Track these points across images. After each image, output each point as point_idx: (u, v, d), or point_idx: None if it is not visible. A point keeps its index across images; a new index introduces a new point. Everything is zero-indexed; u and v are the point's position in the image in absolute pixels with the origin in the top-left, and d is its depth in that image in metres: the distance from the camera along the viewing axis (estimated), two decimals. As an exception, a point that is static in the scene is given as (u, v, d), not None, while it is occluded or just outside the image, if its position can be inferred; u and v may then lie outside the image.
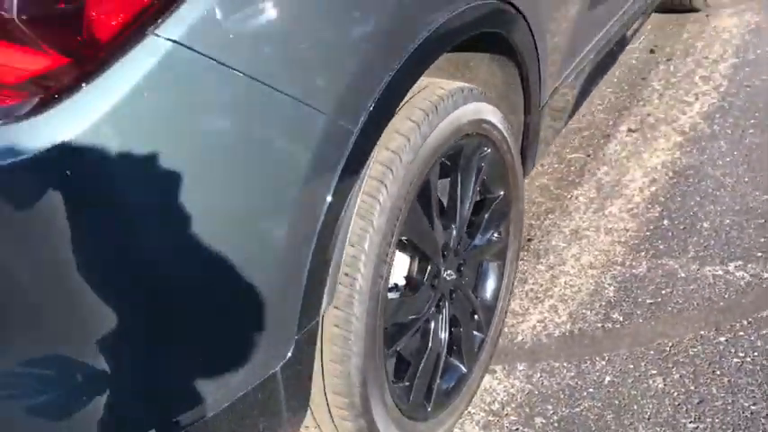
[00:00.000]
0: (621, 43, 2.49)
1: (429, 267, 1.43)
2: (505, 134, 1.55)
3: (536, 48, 1.60)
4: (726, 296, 1.93)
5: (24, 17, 0.74)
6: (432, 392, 1.51)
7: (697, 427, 1.58)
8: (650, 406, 1.64)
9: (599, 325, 1.89)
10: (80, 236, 0.82)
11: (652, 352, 1.79)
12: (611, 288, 2.00)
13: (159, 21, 0.80)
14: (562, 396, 1.69)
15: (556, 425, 1.62)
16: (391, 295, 1.35)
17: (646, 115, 2.80)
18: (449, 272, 1.49)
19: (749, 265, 2.02)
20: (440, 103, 1.31)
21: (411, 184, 1.24)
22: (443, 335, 1.53)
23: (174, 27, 0.81)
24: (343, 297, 1.17)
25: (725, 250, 2.08)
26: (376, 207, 1.18)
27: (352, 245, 1.16)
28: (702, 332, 1.83)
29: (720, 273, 2.01)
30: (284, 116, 0.95)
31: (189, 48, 0.82)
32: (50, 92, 0.76)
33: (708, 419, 1.59)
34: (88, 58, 0.77)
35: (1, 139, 0.75)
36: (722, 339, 1.80)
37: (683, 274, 2.01)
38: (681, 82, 3.01)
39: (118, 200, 0.84)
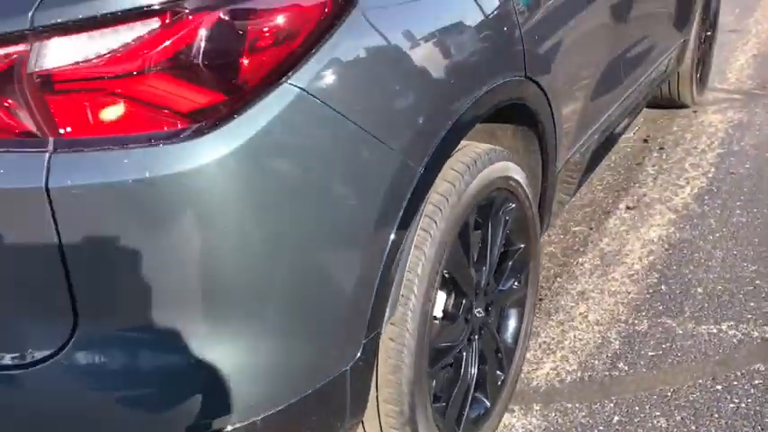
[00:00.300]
0: (617, 130, 2.80)
1: (463, 302, 1.64)
2: (528, 192, 1.80)
3: (554, 121, 1.87)
4: (720, 351, 2.13)
5: (203, 62, 0.99)
6: (461, 419, 1.68)
7: (699, 460, 1.75)
8: (656, 441, 1.81)
9: (606, 373, 2.07)
10: (210, 236, 1.05)
11: (655, 396, 1.97)
12: (617, 342, 2.20)
13: (291, 72, 1.05)
14: (576, 432, 1.86)
15: (571, 456, 1.79)
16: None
17: (642, 195, 3.07)
18: (479, 309, 1.70)
19: (740, 325, 2.23)
20: (477, 159, 1.56)
21: (455, 223, 1.48)
22: (473, 369, 1.73)
23: (301, 78, 1.06)
24: (400, 314, 1.38)
25: (718, 312, 2.30)
26: (428, 240, 1.40)
27: (409, 270, 1.38)
28: (700, 381, 2.02)
29: (714, 331, 2.22)
30: (372, 155, 1.19)
31: (311, 95, 1.07)
32: (210, 120, 1.00)
33: (708, 454, 1.77)
34: (239, 98, 1.02)
35: (172, 153, 0.98)
36: (719, 387, 2.00)
37: (680, 332, 2.22)
38: (673, 168, 3.30)
39: (242, 207, 1.07)
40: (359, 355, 1.27)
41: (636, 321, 2.28)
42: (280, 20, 1.06)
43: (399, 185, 1.27)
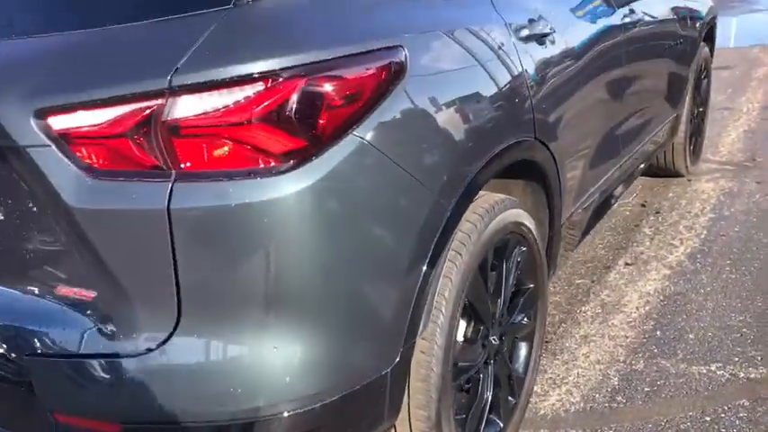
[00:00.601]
0: (616, 192, 3.11)
1: (481, 329, 1.90)
2: (537, 238, 2.08)
3: (559, 180, 2.18)
4: (709, 388, 2.37)
5: (293, 116, 1.30)
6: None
7: (688, 478, 1.97)
8: (650, 462, 2.04)
9: (606, 404, 2.31)
10: (288, 251, 1.34)
11: (650, 425, 2.20)
12: (615, 378, 2.44)
13: (355, 126, 1.36)
14: (579, 453, 2.08)
15: (575, 473, 2.01)
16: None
17: (639, 253, 3.35)
18: (494, 337, 1.96)
19: (728, 366, 2.47)
20: (494, 206, 1.85)
21: (476, 257, 1.76)
22: (488, 392, 1.97)
23: (363, 131, 1.37)
24: (430, 330, 1.64)
25: (708, 355, 2.54)
26: (454, 269, 1.68)
27: (439, 294, 1.65)
28: (691, 413, 2.25)
29: (704, 371, 2.46)
30: (415, 195, 1.49)
31: (370, 144, 1.38)
32: (295, 161, 1.30)
33: (697, 473, 1.99)
34: (317, 145, 1.33)
35: (266, 184, 1.28)
36: (707, 419, 2.23)
37: (673, 371, 2.46)
38: (668, 229, 3.59)
39: (312, 229, 1.35)
40: (397, 360, 1.53)
41: (633, 362, 2.52)
42: (349, 86, 1.38)
43: (434, 221, 1.56)
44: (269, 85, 1.29)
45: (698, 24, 3.86)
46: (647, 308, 2.88)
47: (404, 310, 1.54)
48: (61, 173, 1.30)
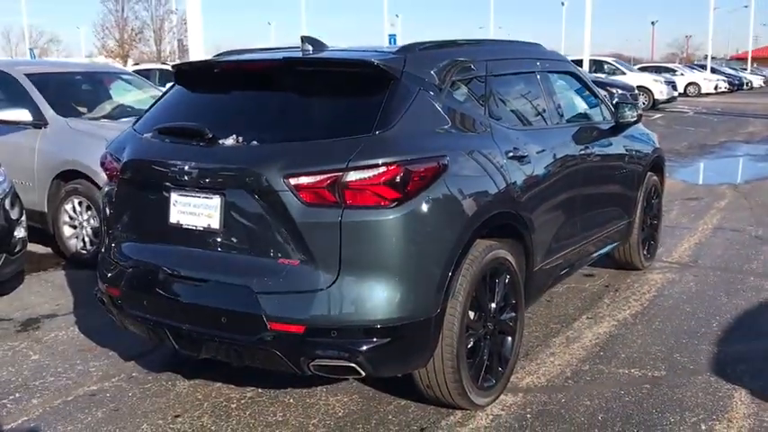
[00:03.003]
0: (575, 266, 4.60)
1: (481, 315, 3.36)
2: (517, 270, 3.57)
3: (532, 240, 3.70)
4: (621, 381, 3.75)
5: (399, 182, 2.87)
6: (478, 380, 3.33)
7: None
8: None
9: (562, 384, 3.69)
10: (394, 244, 2.87)
11: (594, 397, 3.58)
12: (569, 372, 3.83)
13: (423, 190, 2.92)
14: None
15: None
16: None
17: (597, 312, 4.78)
18: (489, 324, 3.42)
19: (641, 369, 3.86)
20: (490, 246, 3.36)
21: (479, 273, 3.25)
22: (486, 358, 3.40)
23: (426, 193, 2.94)
24: (454, 300, 3.11)
25: (631, 364, 3.93)
26: (469, 272, 3.17)
27: (460, 283, 3.14)
28: (620, 392, 3.63)
29: (626, 372, 3.84)
30: (453, 226, 3.04)
31: (430, 199, 2.94)
32: (398, 202, 2.86)
33: None
34: (408, 197, 2.88)
35: (386, 211, 2.83)
36: (636, 392, 3.60)
37: (606, 371, 3.85)
38: (621, 300, 5.03)
39: (405, 234, 2.89)
40: (439, 310, 3.01)
41: (581, 365, 3.92)
42: (422, 171, 2.95)
43: (458, 242, 3.09)
44: (387, 168, 2.87)
45: (643, 159, 5.48)
46: (596, 340, 4.29)
47: (443, 282, 3.03)
48: (292, 204, 2.87)
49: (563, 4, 60.59)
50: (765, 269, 5.77)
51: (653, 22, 77.50)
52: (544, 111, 4.25)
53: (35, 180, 6.06)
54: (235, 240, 3.06)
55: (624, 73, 25.44)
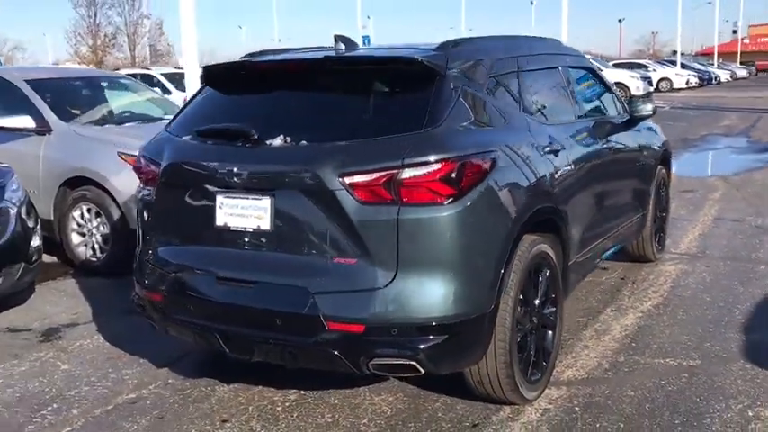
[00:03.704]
0: (599, 257, 4.64)
1: (528, 309, 3.38)
2: (557, 264, 3.59)
3: (568, 234, 3.72)
4: (659, 370, 3.79)
5: (453, 178, 2.85)
6: (527, 374, 3.34)
7: None
8: None
9: (601, 376, 3.72)
10: (450, 239, 2.87)
11: (634, 387, 3.61)
12: (606, 365, 3.86)
13: (476, 185, 2.92)
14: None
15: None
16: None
17: (621, 305, 4.83)
18: (534, 318, 3.43)
19: (676, 359, 3.90)
20: (534, 241, 3.37)
21: (526, 268, 3.26)
22: (533, 353, 3.41)
23: (480, 187, 2.93)
24: (506, 296, 3.12)
25: (664, 354, 3.97)
26: (518, 268, 3.19)
27: (511, 279, 3.14)
28: (650, 383, 3.66)
29: (661, 362, 3.88)
30: (504, 222, 3.05)
31: (482, 194, 2.94)
32: (453, 198, 2.86)
33: None
34: (461, 193, 2.87)
35: (442, 208, 2.83)
36: (670, 385, 3.64)
37: (642, 362, 3.89)
38: (640, 292, 5.09)
39: (459, 228, 2.89)
40: (492, 306, 3.01)
41: (616, 357, 3.95)
42: (474, 167, 2.95)
43: (510, 236, 3.09)
44: (442, 165, 2.87)
45: (655, 153, 5.55)
46: (625, 332, 4.33)
47: (497, 278, 3.03)
48: (348, 203, 2.85)
49: (532, 3, 61.29)
50: (774, 258, 5.89)
51: (620, 20, 78.37)
52: (569, 105, 4.28)
53: (40, 188, 5.93)
54: (286, 241, 3.03)
55: (601, 69, 25.70)
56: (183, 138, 3.40)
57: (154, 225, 3.44)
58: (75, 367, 4.00)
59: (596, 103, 4.98)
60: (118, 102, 7.11)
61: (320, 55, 3.43)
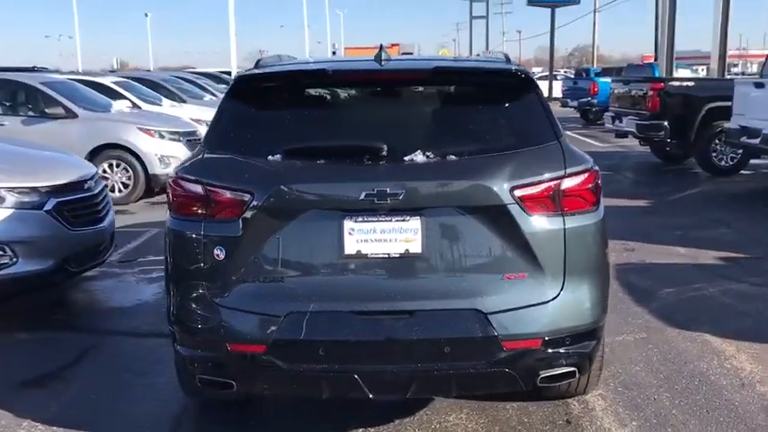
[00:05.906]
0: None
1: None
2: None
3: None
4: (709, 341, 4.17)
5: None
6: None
7: None
8: None
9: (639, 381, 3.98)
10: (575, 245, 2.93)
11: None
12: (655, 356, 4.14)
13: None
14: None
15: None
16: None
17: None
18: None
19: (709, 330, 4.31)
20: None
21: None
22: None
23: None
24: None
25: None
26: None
27: (619, 283, 3.27)
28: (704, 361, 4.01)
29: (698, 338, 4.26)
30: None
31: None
32: (594, 206, 2.97)
33: None
34: (598, 200, 2.99)
35: (590, 216, 2.96)
36: (714, 360, 4.00)
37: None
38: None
39: (580, 239, 2.95)
40: (606, 318, 3.10)
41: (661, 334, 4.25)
42: (599, 176, 3.04)
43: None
44: (588, 174, 2.95)
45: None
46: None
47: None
48: (520, 216, 2.81)
49: (147, 15, 62.77)
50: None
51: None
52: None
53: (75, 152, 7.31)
54: (443, 263, 2.85)
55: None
56: (275, 157, 2.94)
57: (237, 263, 2.87)
58: None
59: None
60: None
61: (431, 65, 3.15)
